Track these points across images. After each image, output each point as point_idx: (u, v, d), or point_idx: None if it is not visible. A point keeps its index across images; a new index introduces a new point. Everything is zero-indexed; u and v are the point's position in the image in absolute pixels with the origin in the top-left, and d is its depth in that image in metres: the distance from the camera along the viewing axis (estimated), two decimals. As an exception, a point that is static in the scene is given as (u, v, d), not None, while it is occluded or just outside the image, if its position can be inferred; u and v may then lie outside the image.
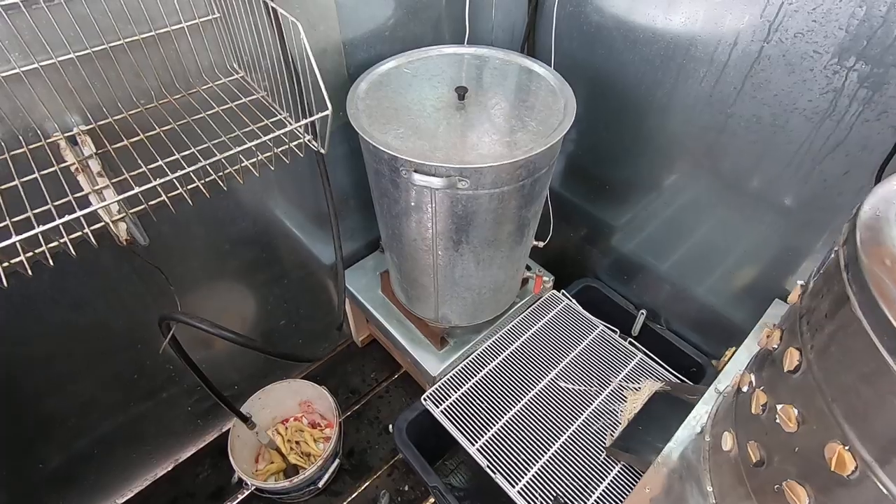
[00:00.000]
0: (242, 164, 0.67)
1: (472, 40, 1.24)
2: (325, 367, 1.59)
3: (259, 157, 0.68)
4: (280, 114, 0.79)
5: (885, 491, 0.47)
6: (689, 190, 1.15)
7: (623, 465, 1.08)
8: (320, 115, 0.67)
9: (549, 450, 1.09)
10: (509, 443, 1.10)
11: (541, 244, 1.19)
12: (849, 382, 0.50)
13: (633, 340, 1.36)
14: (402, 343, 1.25)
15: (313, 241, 1.33)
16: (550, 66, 1.14)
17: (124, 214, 0.60)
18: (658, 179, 1.20)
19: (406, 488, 1.34)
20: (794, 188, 0.95)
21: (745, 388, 0.71)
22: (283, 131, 0.66)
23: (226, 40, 0.84)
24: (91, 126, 0.75)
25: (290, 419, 1.45)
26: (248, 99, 0.81)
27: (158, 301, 1.07)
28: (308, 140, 0.72)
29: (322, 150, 0.72)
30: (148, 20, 0.75)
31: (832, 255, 0.57)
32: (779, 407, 0.60)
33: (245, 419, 1.14)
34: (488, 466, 1.06)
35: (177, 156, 0.70)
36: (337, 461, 1.31)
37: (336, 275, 0.99)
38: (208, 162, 0.61)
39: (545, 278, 1.29)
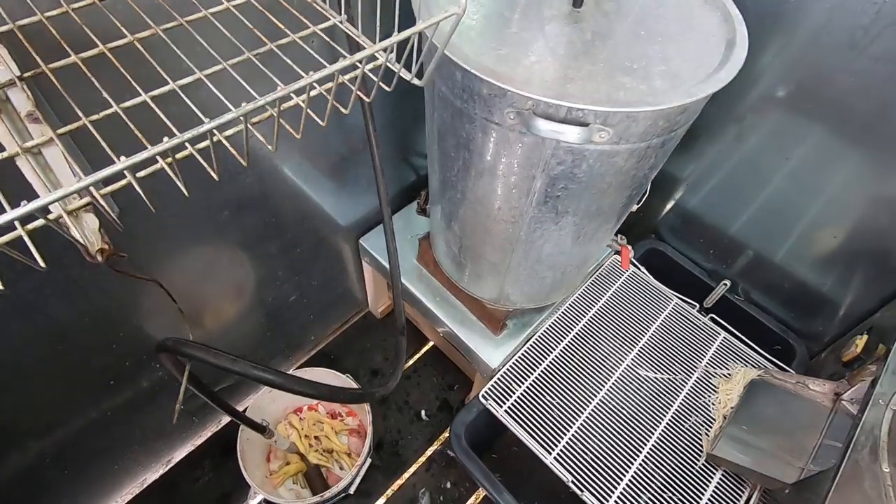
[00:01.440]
0: (272, 112, 0.38)
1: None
2: (340, 344, 1.35)
3: (311, 93, 0.39)
4: (332, 16, 0.49)
5: None
6: (779, 130, 0.92)
7: (724, 472, 0.91)
8: (447, 14, 0.37)
9: (638, 456, 0.91)
10: (591, 448, 0.91)
11: (635, 207, 0.94)
12: None
13: (712, 315, 1.17)
14: (450, 328, 1.02)
15: (327, 199, 1.04)
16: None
17: (89, 202, 0.32)
18: (746, 121, 0.96)
19: (448, 485, 1.17)
20: None
21: None
22: (358, 56, 0.37)
23: None
24: (7, 27, 0.43)
25: (304, 408, 1.23)
26: (276, -10, 0.49)
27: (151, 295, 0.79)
28: (396, 67, 0.42)
29: (418, 82, 0.43)
30: None
31: None
32: None
33: (262, 429, 0.91)
34: (573, 482, 0.87)
35: (171, 84, 0.40)
36: (368, 460, 1.11)
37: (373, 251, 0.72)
38: (223, 120, 0.32)
39: (630, 247, 1.06)
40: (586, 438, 0.92)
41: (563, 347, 1.03)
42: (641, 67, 0.58)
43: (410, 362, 1.34)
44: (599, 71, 0.57)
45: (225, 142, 0.38)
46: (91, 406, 0.89)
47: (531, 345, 1.02)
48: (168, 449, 1.15)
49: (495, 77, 0.53)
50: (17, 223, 0.28)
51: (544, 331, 1.04)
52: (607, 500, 0.85)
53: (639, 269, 1.18)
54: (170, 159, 0.34)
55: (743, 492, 0.89)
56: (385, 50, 0.40)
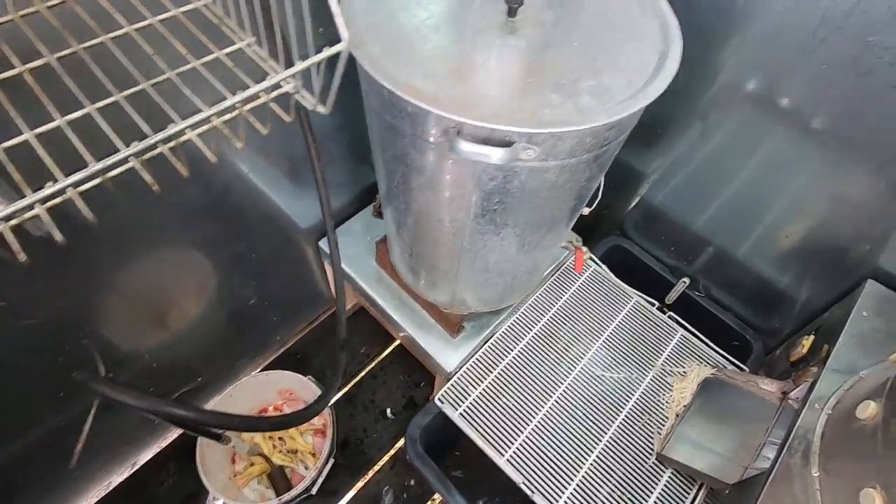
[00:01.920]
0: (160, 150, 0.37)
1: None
2: (306, 342, 1.35)
3: (184, 138, 0.38)
4: (238, 38, 0.47)
5: None
6: (744, 129, 0.91)
7: (673, 472, 0.93)
8: (329, 51, 0.36)
9: (589, 456, 0.93)
10: (544, 450, 0.93)
11: (587, 210, 0.94)
12: None
13: (671, 313, 1.18)
14: (407, 330, 1.02)
15: (286, 199, 1.03)
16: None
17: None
18: (711, 118, 0.95)
19: (412, 483, 1.18)
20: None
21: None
22: (266, 84, 0.36)
23: None
24: None
25: (270, 408, 1.24)
26: (181, 10, 0.48)
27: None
28: (297, 90, 0.41)
29: (322, 110, 0.42)
30: None
31: None
32: None
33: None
34: (524, 483, 0.89)
35: (58, 122, 0.39)
36: (331, 459, 1.12)
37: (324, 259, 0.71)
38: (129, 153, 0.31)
39: (584, 249, 1.06)
40: (540, 439, 0.94)
41: (522, 348, 1.04)
42: (571, 83, 0.57)
43: (377, 361, 1.34)
44: (527, 87, 0.56)
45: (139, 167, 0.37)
46: (52, 413, 0.89)
47: (489, 346, 1.03)
48: (134, 451, 1.16)
49: (417, 97, 0.52)
50: None
51: (503, 332, 1.05)
52: (557, 500, 0.87)
53: (600, 267, 1.18)
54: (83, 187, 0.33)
55: (690, 491, 0.91)
56: (292, 76, 0.39)
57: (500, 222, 0.69)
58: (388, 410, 1.27)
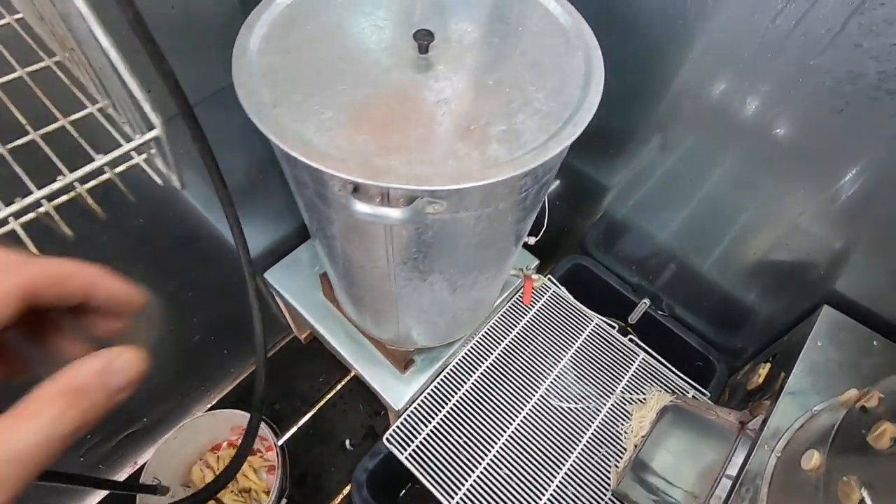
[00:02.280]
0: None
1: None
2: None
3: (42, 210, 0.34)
4: (91, 100, 0.42)
5: None
6: (709, 146, 0.87)
7: (632, 507, 0.90)
8: (139, 140, 0.32)
9: (542, 496, 0.90)
10: (495, 490, 0.89)
11: (533, 240, 0.90)
12: None
13: (631, 332, 1.15)
14: (355, 367, 0.98)
15: (224, 226, 0.98)
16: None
17: None
18: (671, 133, 0.91)
19: (371, 518, 1.14)
20: (882, 176, 0.70)
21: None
22: (98, 164, 0.32)
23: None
24: None
25: (224, 444, 1.19)
26: (26, 70, 0.43)
27: None
28: (146, 161, 0.37)
29: (176, 184, 0.38)
30: None
31: None
32: None
33: (153, 489, 0.86)
34: (473, 529, 0.85)
35: None
36: (284, 499, 1.08)
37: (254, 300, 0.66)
38: None
39: (534, 276, 1.02)
40: (491, 479, 0.90)
41: (475, 381, 1.00)
42: (481, 128, 0.52)
43: (335, 389, 1.30)
44: (432, 135, 0.52)
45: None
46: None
47: (441, 380, 0.99)
48: (77, 499, 1.11)
49: (307, 154, 0.48)
50: None
51: (455, 364, 1.01)
52: (508, 546, 0.84)
53: (559, 289, 1.15)
54: None
55: (647, 527, 0.88)
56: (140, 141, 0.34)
57: (425, 269, 0.64)
58: (348, 442, 1.23)
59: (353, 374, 1.33)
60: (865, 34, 0.60)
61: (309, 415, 1.26)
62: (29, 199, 0.34)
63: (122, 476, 1.15)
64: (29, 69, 0.43)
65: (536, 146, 0.51)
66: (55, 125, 0.40)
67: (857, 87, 0.64)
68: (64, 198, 0.36)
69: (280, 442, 1.11)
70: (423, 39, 0.56)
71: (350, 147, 0.50)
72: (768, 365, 0.89)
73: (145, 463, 1.15)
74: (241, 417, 1.10)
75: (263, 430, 1.10)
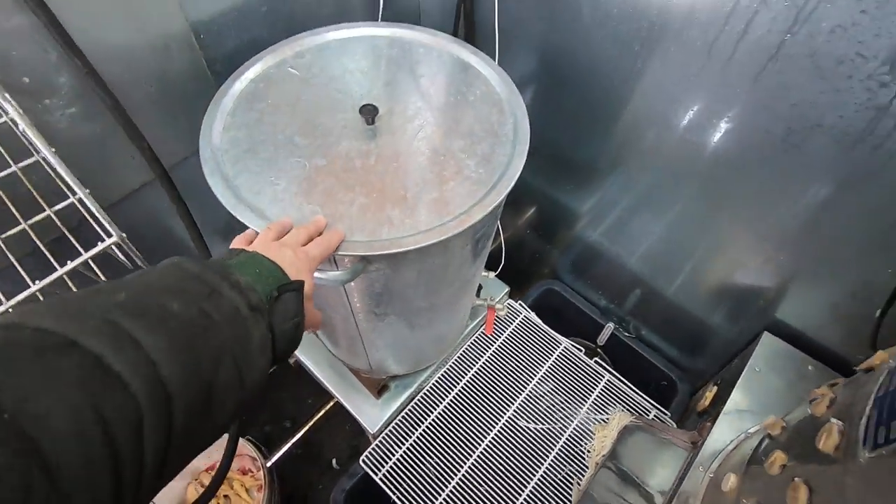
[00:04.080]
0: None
1: (394, 9, 0.92)
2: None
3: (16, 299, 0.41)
4: (70, 193, 0.50)
5: None
6: (667, 185, 0.94)
7: (592, 523, 0.96)
8: (101, 246, 0.40)
9: (509, 512, 0.96)
10: (464, 508, 0.95)
11: (492, 275, 0.97)
12: None
13: (599, 352, 1.21)
14: (335, 393, 1.05)
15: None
16: (494, 48, 0.86)
17: None
18: (631, 169, 0.98)
19: (355, 534, 1.21)
20: (803, 213, 0.76)
21: (749, 525, 0.56)
22: (67, 268, 0.39)
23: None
24: None
25: (217, 464, 1.26)
26: (20, 166, 0.51)
27: None
28: (116, 249, 0.44)
29: (143, 266, 0.45)
30: None
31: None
32: None
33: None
34: (441, 545, 0.91)
35: None
36: (272, 518, 1.15)
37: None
38: None
39: (498, 306, 1.08)
40: (459, 498, 0.96)
41: (447, 404, 1.07)
42: (414, 196, 0.60)
43: (322, 412, 1.37)
44: (371, 204, 0.59)
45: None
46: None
47: (414, 404, 1.06)
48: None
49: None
50: None
51: (429, 389, 1.08)
52: (473, 562, 0.90)
53: (529, 314, 1.21)
54: None
55: (605, 543, 0.93)
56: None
57: (381, 313, 0.71)
58: (334, 461, 1.30)
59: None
60: (768, 96, 0.67)
61: (297, 436, 1.33)
62: (25, 294, 0.41)
63: None
64: (21, 164, 0.51)
65: (462, 212, 0.58)
66: (42, 215, 0.48)
67: (773, 139, 0.71)
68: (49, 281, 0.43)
69: (269, 463, 1.18)
70: (369, 114, 0.64)
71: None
72: (715, 388, 0.94)
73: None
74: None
75: (253, 452, 1.17)
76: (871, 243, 0.71)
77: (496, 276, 1.18)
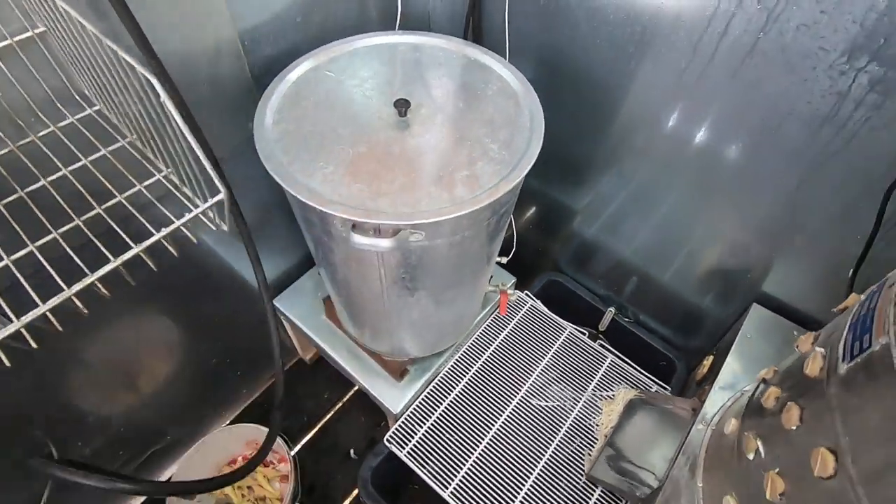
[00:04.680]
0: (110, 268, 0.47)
1: (407, 20, 1.01)
2: (271, 393, 1.43)
3: (134, 251, 0.48)
4: (157, 170, 0.58)
5: None
6: (653, 177, 1.03)
7: (602, 491, 1.03)
8: (212, 200, 0.47)
9: (526, 482, 1.02)
10: (484, 479, 1.02)
11: (504, 259, 1.05)
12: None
13: (601, 338, 1.29)
14: (357, 378, 1.11)
15: (240, 262, 1.12)
16: (505, 51, 0.96)
17: None
18: (619, 168, 1.07)
19: (376, 519, 1.25)
20: (781, 192, 0.86)
21: (750, 455, 0.64)
22: (181, 222, 0.47)
23: (63, 60, 0.60)
24: None
25: (238, 458, 1.31)
26: (109, 149, 0.58)
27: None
28: (209, 219, 0.52)
29: (224, 228, 0.53)
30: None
31: (877, 347, 0.47)
32: (807, 509, 0.52)
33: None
34: (465, 513, 0.97)
35: (6, 260, 0.48)
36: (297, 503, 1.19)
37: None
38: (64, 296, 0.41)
39: (510, 291, 1.16)
40: (480, 470, 1.03)
41: (464, 386, 1.13)
42: (448, 175, 0.68)
43: (339, 405, 1.43)
44: (412, 182, 0.67)
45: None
46: (17, 486, 0.96)
47: (433, 387, 1.12)
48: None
49: (317, 200, 0.63)
50: None
51: (445, 372, 1.14)
52: (496, 527, 0.96)
53: (535, 302, 1.29)
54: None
55: (617, 506, 1.00)
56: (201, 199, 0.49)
57: (412, 287, 0.79)
58: (352, 451, 1.35)
59: (354, 390, 1.46)
60: (747, 88, 0.77)
61: (315, 429, 1.38)
62: (130, 254, 0.48)
63: (136, 500, 1.25)
64: (110, 148, 0.58)
65: (490, 187, 0.66)
66: (132, 190, 0.55)
67: (751, 127, 0.81)
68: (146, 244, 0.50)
69: (292, 453, 1.23)
70: (402, 106, 0.72)
71: (349, 194, 0.65)
72: (711, 357, 1.03)
73: (170, 477, 1.26)
74: (255, 431, 1.22)
75: (277, 442, 1.22)
76: (840, 215, 0.81)
77: (505, 267, 1.26)
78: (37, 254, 0.48)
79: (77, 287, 0.43)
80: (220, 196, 0.46)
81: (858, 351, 0.49)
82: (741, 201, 0.93)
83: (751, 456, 0.64)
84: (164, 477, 1.27)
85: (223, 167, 0.82)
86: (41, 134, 0.59)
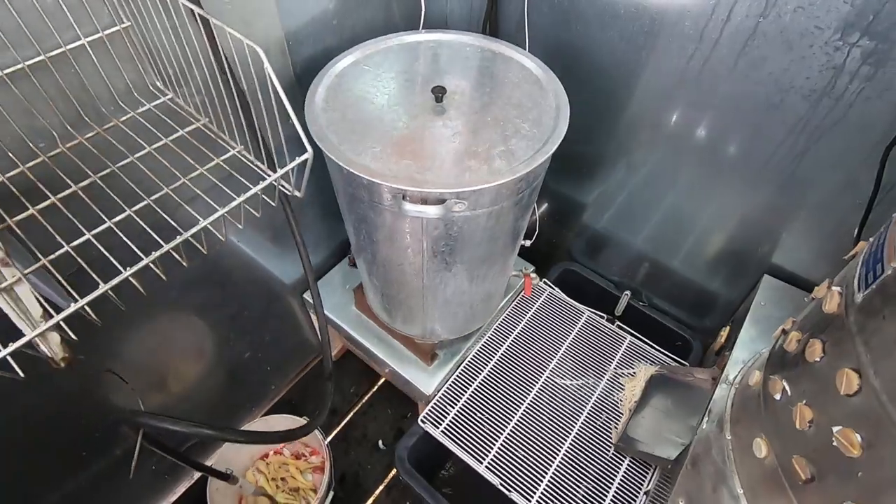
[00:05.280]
0: (198, 228, 0.53)
1: (428, 21, 1.09)
2: (300, 389, 1.47)
3: (221, 214, 0.54)
4: (230, 146, 0.64)
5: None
6: (663, 164, 1.11)
7: (631, 459, 1.07)
8: (299, 159, 0.53)
9: (557, 454, 1.06)
10: (517, 453, 1.06)
11: (528, 243, 1.11)
12: (932, 418, 0.47)
13: (618, 322, 1.34)
14: (388, 364, 1.16)
15: (271, 260, 1.18)
16: (525, 47, 1.03)
17: (55, 321, 0.45)
18: (631, 156, 1.14)
19: (407, 506, 1.29)
20: (784, 165, 0.93)
21: (777, 396, 0.69)
22: (261, 186, 0.52)
23: (142, 53, 0.66)
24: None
25: (270, 453, 1.33)
26: (186, 130, 0.64)
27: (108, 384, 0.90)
28: (282, 185, 0.58)
29: (298, 195, 0.59)
30: (32, 41, 0.56)
31: (889, 272, 0.53)
32: (835, 429, 0.57)
33: (226, 477, 1.02)
34: (501, 484, 1.01)
35: (108, 223, 0.54)
36: (331, 493, 1.22)
37: (313, 312, 0.86)
38: (166, 249, 0.46)
39: (532, 275, 1.22)
40: (513, 445, 1.07)
41: (491, 368, 1.18)
42: (485, 150, 0.74)
43: (365, 398, 1.46)
44: (453, 157, 0.73)
45: (154, 267, 0.52)
46: (67, 477, 0.99)
47: (462, 370, 1.17)
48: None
49: (370, 174, 0.69)
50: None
51: (473, 356, 1.19)
52: (532, 496, 1.00)
53: (553, 290, 1.35)
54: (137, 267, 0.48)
55: (647, 474, 1.04)
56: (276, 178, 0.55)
57: (450, 261, 0.85)
58: (380, 442, 1.38)
59: (380, 384, 1.50)
60: (750, 69, 0.85)
61: (344, 422, 1.42)
62: (211, 218, 0.54)
63: (182, 488, 1.28)
64: (186, 129, 0.64)
65: (526, 159, 0.73)
66: (212, 163, 0.61)
67: (755, 104, 0.88)
68: (231, 207, 0.56)
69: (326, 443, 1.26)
70: (439, 93, 0.79)
71: (398, 169, 0.71)
72: (728, 328, 1.08)
73: (202, 476, 1.29)
74: (286, 420, 1.25)
75: (315, 436, 1.25)
76: (841, 183, 0.88)
77: (524, 256, 1.32)
78: (135, 217, 0.53)
79: (183, 236, 0.49)
80: (307, 155, 0.52)
81: (872, 279, 0.55)
82: (747, 179, 1.00)
83: (777, 396, 0.69)
84: (195, 476, 1.29)
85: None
86: (123, 119, 0.65)
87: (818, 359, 0.61)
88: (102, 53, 0.62)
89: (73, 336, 0.45)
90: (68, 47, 0.59)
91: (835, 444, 0.57)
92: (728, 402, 0.87)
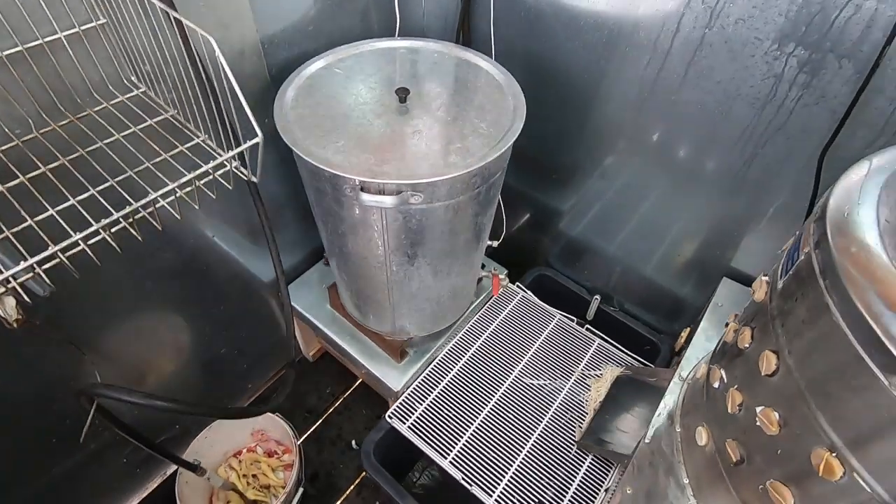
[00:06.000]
0: (151, 208, 0.56)
1: (404, 31, 1.15)
2: (276, 388, 1.48)
3: (177, 194, 0.58)
4: (196, 136, 0.68)
5: (873, 494, 0.48)
6: (632, 173, 1.15)
7: (594, 456, 1.09)
8: (250, 143, 0.57)
9: (521, 451, 1.08)
10: (481, 450, 1.07)
11: (495, 243, 1.15)
12: (833, 391, 0.50)
13: (589, 326, 1.37)
14: (359, 360, 1.18)
15: (249, 259, 1.21)
16: (491, 56, 1.08)
17: (10, 285, 0.48)
18: (601, 165, 1.19)
19: (377, 505, 1.29)
20: (737, 172, 0.97)
21: (715, 384, 0.72)
22: (212, 164, 0.56)
23: (118, 49, 0.70)
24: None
25: (244, 451, 1.35)
26: (154, 120, 0.69)
27: (73, 360, 0.93)
28: (236, 167, 0.62)
29: (254, 179, 0.62)
30: (11, 33, 0.61)
31: (802, 257, 0.57)
32: (758, 409, 0.60)
33: (193, 468, 1.03)
34: (464, 479, 1.03)
35: (72, 200, 0.58)
36: (301, 489, 1.23)
37: (282, 305, 0.90)
38: (118, 215, 0.50)
39: (501, 276, 1.25)
40: (478, 442, 1.09)
41: (460, 367, 1.20)
42: (443, 147, 0.79)
43: (342, 399, 1.48)
44: (411, 153, 0.78)
45: (109, 237, 0.55)
46: (38, 469, 1.01)
47: (431, 368, 1.19)
48: (117, 502, 1.25)
49: (331, 166, 0.73)
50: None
51: (443, 355, 1.22)
52: (493, 491, 1.01)
53: (526, 293, 1.38)
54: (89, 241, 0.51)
55: (608, 472, 1.06)
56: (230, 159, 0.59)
57: (412, 254, 0.88)
58: (353, 442, 1.40)
59: (356, 384, 1.51)
60: (700, 77, 0.90)
61: (319, 421, 1.43)
62: (162, 190, 0.57)
63: (154, 483, 1.29)
64: (155, 119, 0.68)
65: (481, 155, 0.77)
66: (176, 150, 0.65)
67: (707, 111, 0.93)
68: (187, 189, 0.60)
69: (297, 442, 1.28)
70: (402, 94, 0.84)
71: (357, 162, 0.75)
72: (688, 329, 1.11)
73: (175, 470, 1.30)
74: (262, 421, 1.27)
75: (284, 431, 1.27)
76: (789, 187, 0.92)
77: (498, 259, 1.35)
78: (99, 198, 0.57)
79: (133, 206, 0.52)
80: (257, 139, 0.56)
81: (791, 266, 0.59)
82: (707, 187, 1.04)
83: (716, 385, 0.72)
84: (172, 468, 1.31)
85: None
86: (96, 109, 0.69)
87: (747, 345, 0.64)
88: (79, 48, 0.67)
89: (28, 299, 0.49)
90: (45, 40, 0.63)
91: (758, 423, 0.59)
92: (680, 396, 0.89)
